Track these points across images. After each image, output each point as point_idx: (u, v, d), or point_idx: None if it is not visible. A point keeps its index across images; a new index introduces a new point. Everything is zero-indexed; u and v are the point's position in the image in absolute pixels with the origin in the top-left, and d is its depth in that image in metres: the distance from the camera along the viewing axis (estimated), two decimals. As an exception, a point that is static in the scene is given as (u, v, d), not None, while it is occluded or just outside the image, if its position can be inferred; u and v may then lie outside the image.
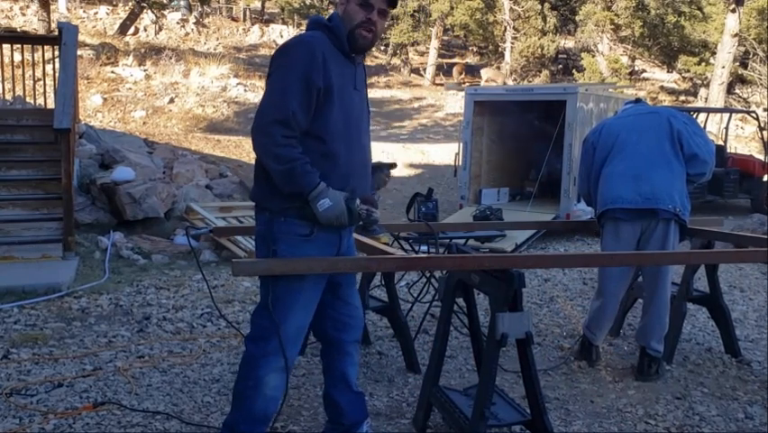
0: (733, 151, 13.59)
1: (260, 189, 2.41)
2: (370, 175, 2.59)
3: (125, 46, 19.84)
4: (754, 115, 12.67)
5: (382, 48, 27.88)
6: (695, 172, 3.61)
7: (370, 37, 2.38)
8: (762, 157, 12.13)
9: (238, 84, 18.10)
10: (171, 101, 16.14)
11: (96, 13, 24.04)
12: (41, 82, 9.06)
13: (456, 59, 29.69)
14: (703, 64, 23.09)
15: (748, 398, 3.44)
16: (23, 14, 21.61)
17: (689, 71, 24.30)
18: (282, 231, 2.33)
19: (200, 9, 26.21)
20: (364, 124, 2.49)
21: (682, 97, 25.01)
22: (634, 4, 23.56)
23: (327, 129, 2.31)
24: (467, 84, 22.81)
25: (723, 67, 19.55)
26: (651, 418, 3.18)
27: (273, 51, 2.41)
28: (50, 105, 7.46)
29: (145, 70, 17.43)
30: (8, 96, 9.03)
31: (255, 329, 2.40)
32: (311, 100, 2.26)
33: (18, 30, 17.95)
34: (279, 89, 2.25)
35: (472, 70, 28.38)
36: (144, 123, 14.74)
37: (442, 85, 25.13)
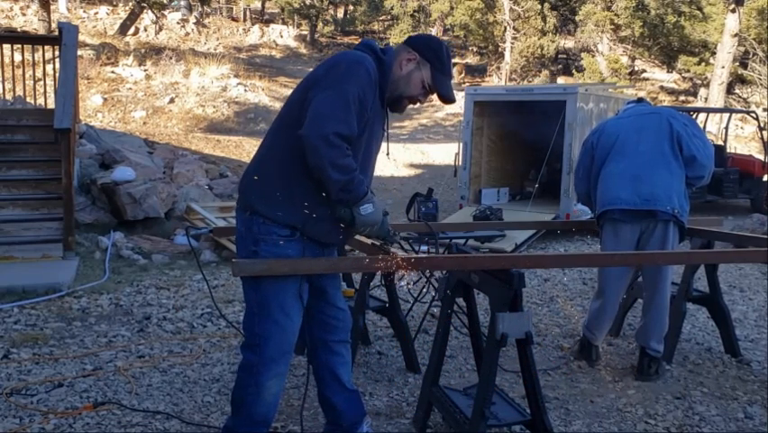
0: (733, 151, 13.60)
1: (254, 188, 2.37)
2: None
3: (125, 46, 19.86)
4: (753, 115, 12.67)
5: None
6: (694, 175, 3.61)
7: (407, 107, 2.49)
8: (761, 157, 12.13)
9: (238, 84, 18.11)
10: (171, 101, 16.15)
11: (96, 13, 24.06)
12: (42, 82, 9.06)
13: (456, 60, 29.69)
14: (703, 64, 23.11)
15: (748, 398, 3.45)
16: (24, 14, 21.62)
17: (689, 71, 24.32)
18: (262, 232, 2.32)
19: (200, 9, 26.23)
20: (372, 162, 2.48)
21: (682, 97, 25.01)
22: (634, 4, 23.57)
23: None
24: (467, 84, 22.81)
25: (723, 67, 19.56)
26: (651, 417, 3.19)
27: (327, 59, 2.39)
28: (51, 105, 7.47)
29: (145, 70, 17.44)
30: (8, 96, 9.04)
31: (249, 337, 2.40)
32: (360, 124, 2.26)
33: (18, 30, 17.99)
34: (344, 103, 2.20)
35: (472, 70, 28.37)
36: (144, 123, 14.75)
37: (442, 85, 25.05)
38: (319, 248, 2.43)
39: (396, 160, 14.75)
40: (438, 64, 2.39)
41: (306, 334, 2.64)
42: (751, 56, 23.15)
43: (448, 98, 2.46)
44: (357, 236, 2.64)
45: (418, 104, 2.52)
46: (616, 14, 24.16)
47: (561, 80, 23.15)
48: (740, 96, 23.68)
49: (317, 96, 2.22)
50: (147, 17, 22.65)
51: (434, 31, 25.95)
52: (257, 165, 2.41)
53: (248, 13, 30.00)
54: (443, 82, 2.42)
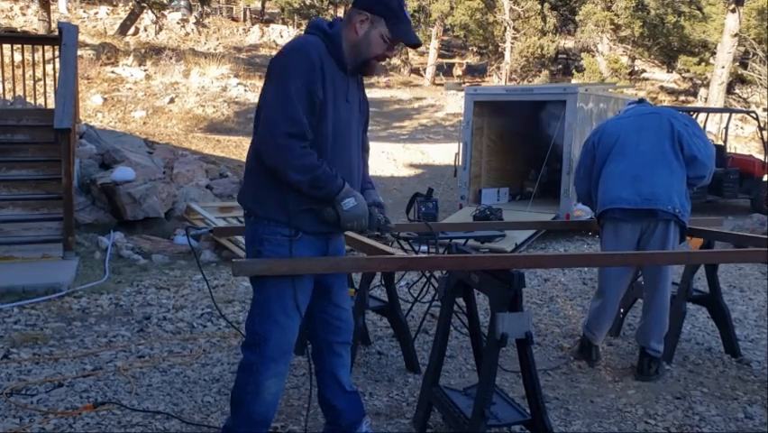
0: (733, 151, 13.60)
1: (247, 192, 2.43)
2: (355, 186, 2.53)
3: (125, 46, 19.86)
4: (753, 115, 12.67)
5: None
6: (695, 175, 3.61)
7: (379, 66, 2.45)
8: (762, 157, 12.13)
9: (238, 84, 18.12)
10: (171, 101, 16.15)
11: (96, 13, 24.07)
12: (42, 82, 9.07)
13: (456, 59, 29.70)
14: (703, 64, 23.11)
15: (748, 398, 3.44)
16: (24, 14, 21.62)
17: (688, 71, 24.32)
18: (267, 232, 2.34)
19: (200, 9, 26.24)
20: (353, 136, 2.45)
21: (682, 97, 25.02)
22: (634, 4, 23.59)
23: (317, 141, 2.29)
24: (467, 84, 22.82)
25: (723, 67, 19.56)
26: (651, 417, 3.18)
27: (272, 56, 2.38)
28: (51, 105, 7.47)
29: (145, 70, 17.45)
30: (8, 96, 9.04)
31: (250, 336, 2.41)
32: (314, 112, 2.26)
33: (18, 30, 17.99)
34: (286, 100, 2.21)
35: (472, 70, 28.38)
36: (144, 123, 14.76)
37: (442, 85, 25.16)
38: (323, 242, 2.43)
39: (396, 160, 14.76)
40: (391, 15, 2.33)
41: (311, 335, 2.65)
42: (751, 56, 23.15)
43: (413, 44, 2.44)
44: (350, 233, 2.62)
45: (387, 60, 2.51)
46: (616, 14, 24.17)
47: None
48: (740, 96, 23.68)
49: (263, 103, 2.27)
50: (147, 17, 22.66)
51: (434, 31, 25.93)
52: (246, 169, 2.46)
53: (248, 13, 30.02)
54: (403, 30, 2.36)
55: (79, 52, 10.78)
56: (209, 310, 4.73)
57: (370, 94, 2.62)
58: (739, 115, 18.21)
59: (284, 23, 30.13)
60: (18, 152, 6.91)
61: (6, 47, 9.59)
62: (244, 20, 29.39)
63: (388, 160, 14.42)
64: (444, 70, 27.58)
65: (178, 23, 24.33)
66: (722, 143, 12.10)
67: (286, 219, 2.32)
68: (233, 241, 6.58)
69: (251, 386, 2.38)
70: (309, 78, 2.23)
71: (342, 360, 2.62)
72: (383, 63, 2.50)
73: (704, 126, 12.83)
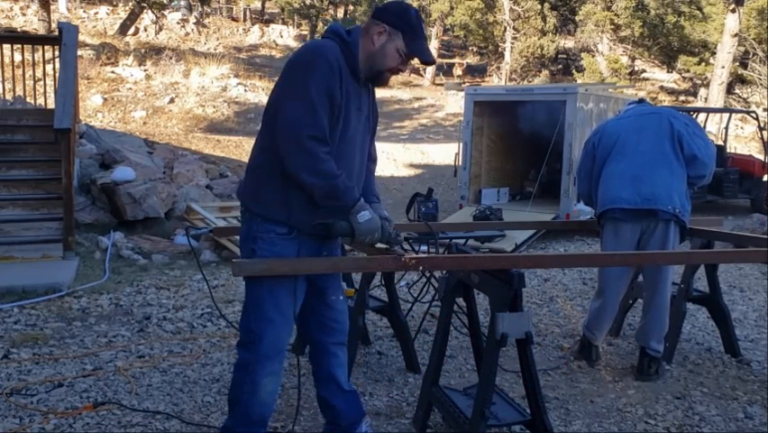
0: (733, 151, 13.60)
1: (247, 188, 2.43)
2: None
3: (125, 46, 19.87)
4: (753, 115, 12.67)
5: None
6: (695, 174, 3.61)
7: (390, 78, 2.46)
8: (762, 157, 12.13)
9: (238, 84, 18.11)
10: (171, 101, 16.15)
11: (96, 13, 24.08)
12: (42, 82, 9.07)
13: (456, 59, 29.71)
14: (703, 64, 23.12)
15: (748, 398, 3.45)
16: (24, 14, 21.63)
17: (688, 71, 24.33)
18: (261, 230, 2.35)
19: (200, 9, 26.25)
20: (357, 145, 2.45)
21: (682, 97, 25.02)
22: (634, 4, 23.59)
23: None
24: (467, 84, 22.82)
25: (723, 67, 19.56)
26: (651, 417, 3.18)
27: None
28: (51, 105, 7.47)
29: (145, 70, 17.45)
30: (8, 96, 9.04)
31: (245, 335, 2.41)
32: (332, 116, 2.27)
33: (18, 30, 17.98)
34: (309, 105, 2.21)
35: (472, 70, 28.39)
36: (144, 123, 14.76)
37: (442, 85, 25.16)
38: (316, 245, 2.43)
39: (396, 160, 14.76)
40: (409, 30, 2.34)
41: (307, 336, 2.66)
42: (751, 56, 23.16)
43: (427, 61, 2.44)
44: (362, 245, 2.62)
45: (400, 73, 2.50)
46: (616, 14, 24.17)
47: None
48: (740, 96, 23.68)
49: (283, 104, 2.25)
50: (147, 17, 22.67)
51: (434, 31, 25.94)
52: (249, 166, 2.46)
53: (248, 13, 30.04)
54: (419, 46, 2.37)
55: (79, 52, 10.79)
56: (209, 310, 4.73)
57: (370, 93, 2.61)
58: (739, 115, 18.22)
59: (284, 23, 30.14)
60: (18, 151, 6.91)
61: (6, 47, 9.58)
62: (244, 20, 29.41)
63: (388, 160, 14.42)
64: (444, 70, 27.59)
65: (178, 23, 24.35)
66: (722, 143, 12.10)
67: (285, 218, 2.33)
68: (233, 241, 6.58)
69: (248, 385, 2.39)
70: (329, 82, 2.23)
71: (338, 360, 2.62)
72: (393, 76, 2.50)
73: (704, 126, 12.82)
